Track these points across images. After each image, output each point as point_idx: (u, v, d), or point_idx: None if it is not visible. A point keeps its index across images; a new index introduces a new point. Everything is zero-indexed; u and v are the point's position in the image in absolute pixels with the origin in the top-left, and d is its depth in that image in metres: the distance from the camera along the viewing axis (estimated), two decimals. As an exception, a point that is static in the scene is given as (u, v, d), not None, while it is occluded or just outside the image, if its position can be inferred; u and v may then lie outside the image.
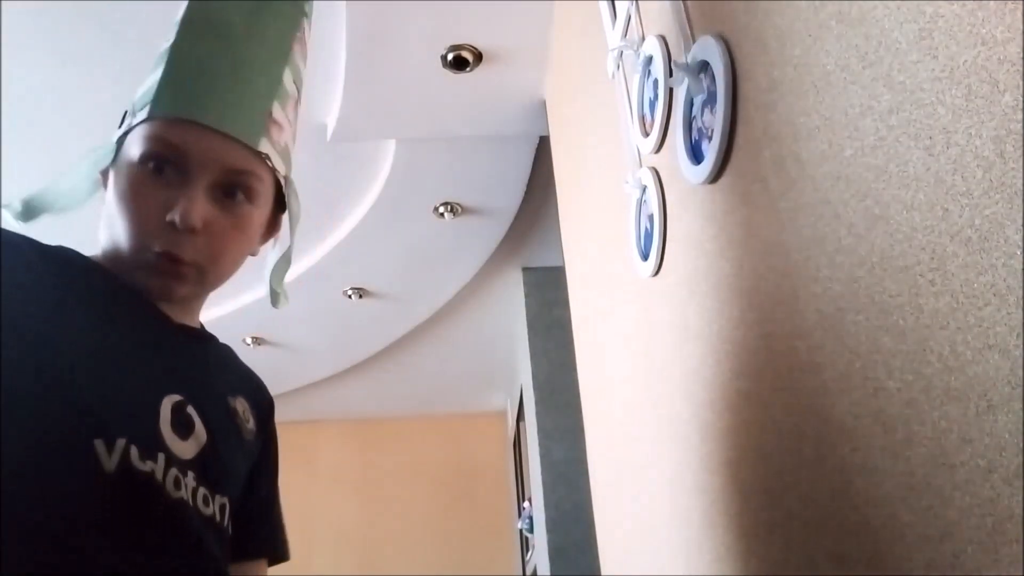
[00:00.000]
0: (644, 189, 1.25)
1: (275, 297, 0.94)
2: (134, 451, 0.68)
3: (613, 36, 1.43)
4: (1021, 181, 0.46)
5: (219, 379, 0.87)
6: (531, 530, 3.65)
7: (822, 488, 0.72)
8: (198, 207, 0.76)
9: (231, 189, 0.79)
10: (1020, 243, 0.46)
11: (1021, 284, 0.46)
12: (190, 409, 0.76)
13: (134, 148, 0.78)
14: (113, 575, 0.65)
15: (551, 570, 2.97)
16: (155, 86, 0.80)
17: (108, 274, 0.79)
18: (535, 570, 3.56)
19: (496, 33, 2.16)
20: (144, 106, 0.79)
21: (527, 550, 4.14)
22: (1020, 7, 0.46)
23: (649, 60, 1.21)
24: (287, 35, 0.90)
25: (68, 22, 2.13)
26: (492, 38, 2.18)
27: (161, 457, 0.71)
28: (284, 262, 0.93)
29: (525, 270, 3.57)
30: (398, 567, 4.79)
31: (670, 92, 1.12)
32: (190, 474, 0.73)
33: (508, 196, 3.02)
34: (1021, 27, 0.46)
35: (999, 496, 0.48)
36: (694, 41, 1.01)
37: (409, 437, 5.30)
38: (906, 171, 0.57)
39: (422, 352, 4.33)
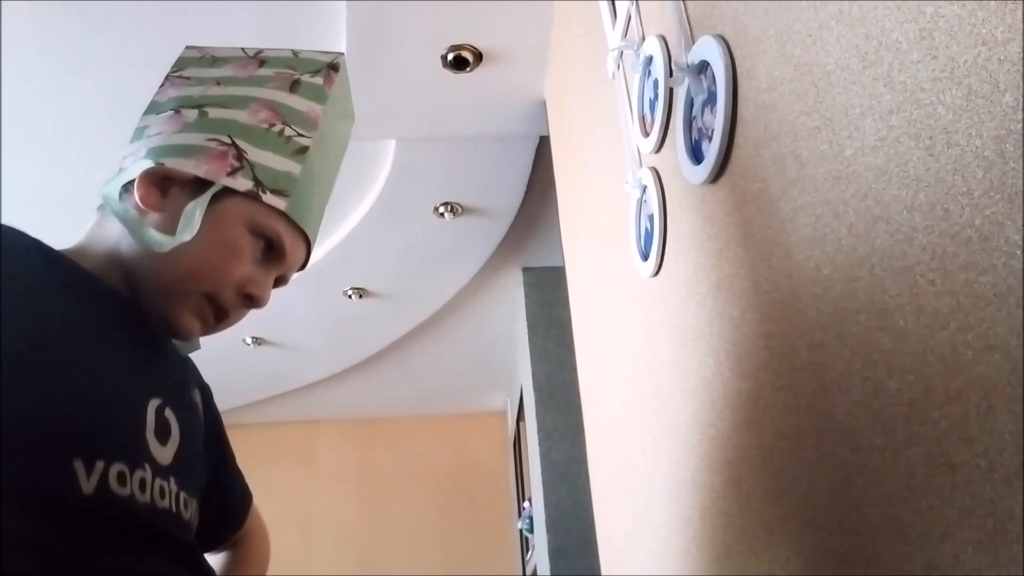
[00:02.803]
0: (644, 189, 1.25)
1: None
2: (113, 472, 0.67)
3: (613, 36, 1.43)
4: (1021, 181, 0.46)
5: (181, 374, 0.88)
6: (531, 530, 3.65)
7: (822, 488, 0.71)
8: (269, 290, 0.86)
9: (276, 282, 0.88)
10: (1020, 243, 0.46)
11: (1022, 284, 0.46)
12: (168, 412, 0.78)
13: (251, 217, 0.82)
14: None
15: (551, 570, 2.97)
16: (294, 181, 0.85)
17: (84, 271, 0.78)
18: (535, 570, 3.56)
19: (496, 33, 2.16)
20: (275, 191, 0.83)
21: (527, 550, 4.14)
22: (1020, 7, 0.46)
23: (649, 60, 1.21)
24: (342, 158, 0.99)
25: (68, 22, 2.13)
26: (492, 38, 2.18)
27: (148, 468, 0.71)
28: None
29: (525, 270, 3.57)
30: (398, 567, 4.79)
31: (670, 92, 1.12)
32: (171, 479, 0.74)
33: (508, 196, 3.02)
34: (1021, 27, 0.46)
35: (999, 496, 0.48)
36: (694, 41, 1.01)
37: (409, 437, 5.30)
38: (906, 171, 0.57)
39: (422, 352, 4.33)
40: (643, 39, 1.24)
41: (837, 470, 0.68)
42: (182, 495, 0.76)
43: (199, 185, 0.81)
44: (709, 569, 1.01)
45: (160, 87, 0.91)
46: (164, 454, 0.75)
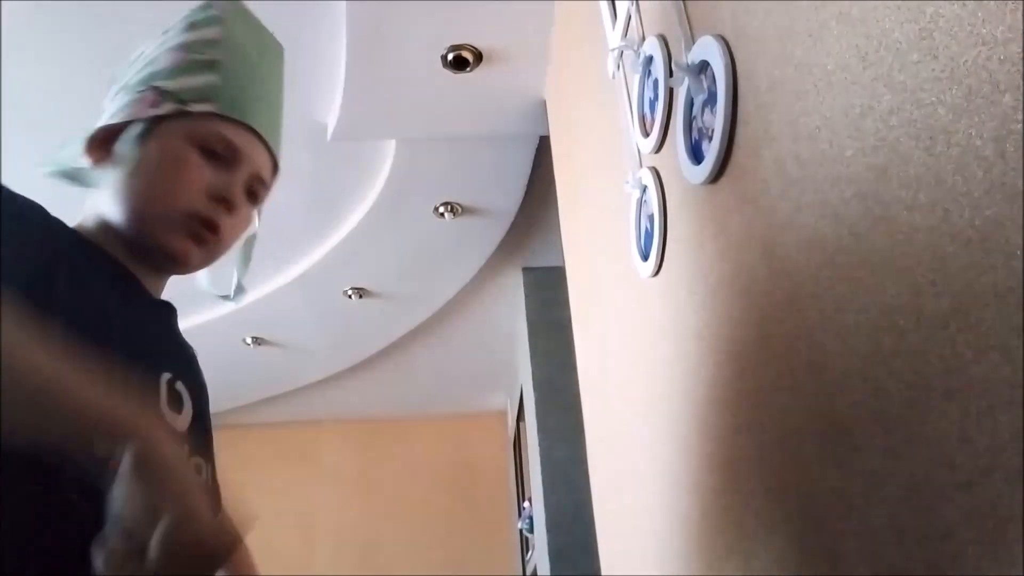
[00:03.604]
0: (644, 189, 1.25)
1: (239, 290, 1.04)
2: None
3: (613, 36, 1.43)
4: (1021, 181, 0.46)
5: (186, 350, 0.93)
6: (531, 530, 3.65)
7: (822, 488, 0.71)
8: (240, 192, 0.90)
9: (251, 191, 0.92)
10: (1020, 243, 0.46)
11: (1021, 284, 0.46)
12: (179, 384, 0.83)
13: (188, 131, 0.87)
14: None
15: (551, 570, 2.97)
16: (215, 86, 0.90)
17: (97, 248, 0.84)
18: (535, 570, 3.56)
19: (496, 33, 2.16)
20: (199, 100, 0.89)
21: (527, 550, 4.14)
22: (1020, 7, 0.46)
23: (649, 60, 1.21)
24: (281, 78, 1.06)
25: (68, 22, 2.13)
26: (492, 38, 2.18)
27: None
28: (247, 254, 1.04)
29: (525, 270, 3.57)
30: (398, 567, 4.79)
31: (670, 92, 1.12)
32: (186, 447, 0.78)
33: (508, 196, 3.02)
34: (1021, 27, 0.46)
35: (999, 497, 0.48)
36: (694, 41, 1.01)
37: (409, 437, 5.30)
38: (907, 171, 0.57)
39: (422, 352, 4.33)
40: (643, 39, 1.24)
41: (837, 470, 0.68)
42: (195, 459, 0.81)
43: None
44: (709, 569, 1.01)
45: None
46: (180, 422, 0.80)
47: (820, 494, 0.72)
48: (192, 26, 0.96)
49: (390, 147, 2.75)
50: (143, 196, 0.85)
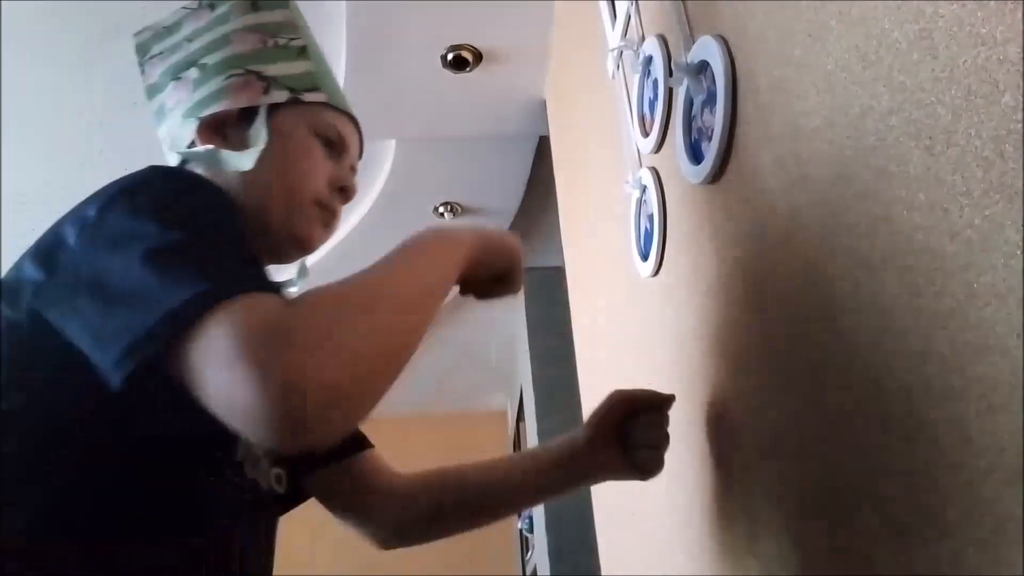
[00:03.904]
0: (644, 189, 1.25)
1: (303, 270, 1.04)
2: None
3: (613, 36, 1.43)
4: (1021, 181, 0.46)
5: None
6: (531, 530, 3.64)
7: (822, 488, 0.71)
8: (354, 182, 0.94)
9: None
10: (1020, 243, 0.46)
11: (1021, 284, 0.46)
12: None
13: (308, 121, 0.89)
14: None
15: (551, 570, 2.97)
16: (314, 74, 0.92)
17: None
18: (535, 570, 3.56)
19: (496, 33, 2.16)
20: (309, 89, 0.90)
21: (527, 550, 4.14)
22: (1020, 7, 0.46)
23: (649, 60, 1.21)
24: None
25: (68, 22, 2.13)
26: (492, 38, 2.18)
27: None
28: None
29: (525, 270, 3.56)
30: (398, 567, 4.77)
31: (670, 92, 1.12)
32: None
33: (508, 196, 3.01)
34: (1021, 27, 0.46)
35: (999, 497, 0.48)
36: (694, 41, 1.01)
37: (409, 437, 5.29)
38: (906, 171, 0.57)
39: (422, 352, 4.32)
40: (643, 39, 1.24)
41: (837, 470, 0.68)
42: (263, 463, 0.83)
43: (247, 117, 0.87)
44: (709, 569, 1.01)
45: (143, 75, 0.96)
46: None
47: (819, 494, 0.72)
48: (255, 5, 0.95)
49: (390, 147, 2.75)
50: (278, 185, 0.86)
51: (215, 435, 0.68)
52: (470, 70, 2.27)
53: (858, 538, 0.65)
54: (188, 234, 0.62)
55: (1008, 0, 0.47)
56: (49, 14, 2.10)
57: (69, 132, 2.51)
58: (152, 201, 0.66)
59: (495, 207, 3.08)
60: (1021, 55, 0.45)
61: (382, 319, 0.63)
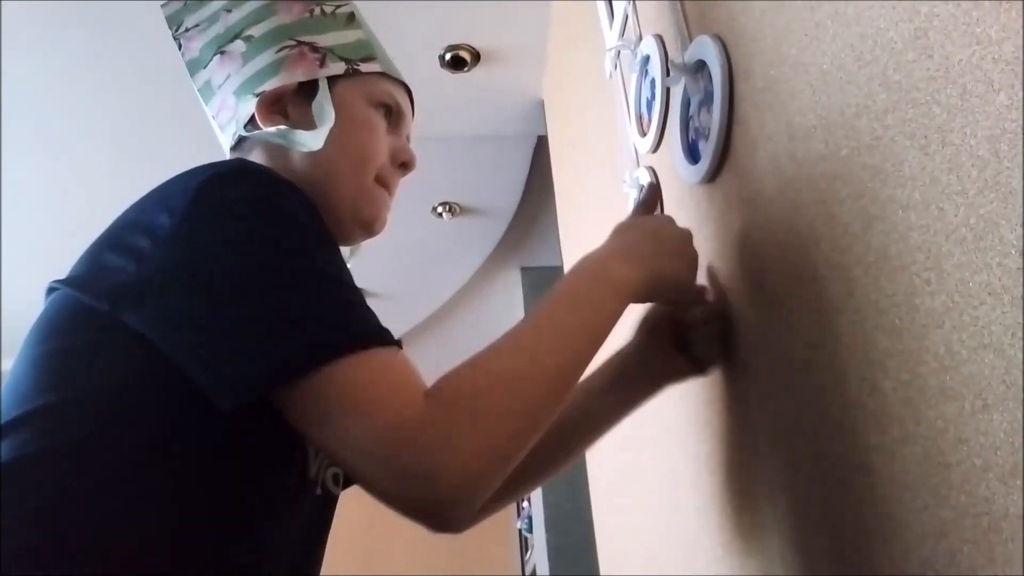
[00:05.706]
0: (641, 189, 1.25)
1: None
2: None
3: (610, 36, 1.43)
4: (1016, 180, 0.46)
5: None
6: (530, 530, 3.65)
7: (819, 487, 0.72)
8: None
9: None
10: (1015, 242, 0.46)
11: (1017, 283, 0.46)
12: None
13: (366, 93, 0.85)
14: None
15: (550, 570, 2.97)
16: (366, 43, 0.88)
17: None
18: (534, 570, 3.56)
19: (494, 33, 2.17)
20: (364, 59, 0.86)
21: (526, 550, 4.14)
22: (1015, 7, 0.46)
23: (646, 60, 1.21)
24: None
25: (68, 22, 2.13)
26: (490, 38, 2.18)
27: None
28: None
29: (524, 270, 3.56)
30: (398, 567, 4.79)
31: (667, 92, 1.12)
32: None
33: (506, 196, 3.02)
34: (1016, 27, 0.46)
35: (994, 495, 0.48)
36: (691, 41, 1.01)
37: (408, 437, 5.29)
38: (901, 170, 0.57)
39: (421, 352, 4.33)
40: (640, 39, 1.24)
41: (833, 469, 0.68)
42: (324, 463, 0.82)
43: (305, 90, 0.83)
44: (707, 569, 1.01)
45: (181, 50, 0.91)
46: None
47: (817, 494, 0.72)
48: None
49: (388, 147, 2.75)
50: (344, 164, 0.82)
51: (293, 441, 0.67)
52: (468, 70, 2.27)
53: (855, 537, 0.65)
54: (310, 259, 0.61)
55: (1003, 0, 0.47)
56: (49, 14, 2.10)
57: (70, 132, 2.51)
58: (263, 210, 0.63)
59: (493, 207, 3.08)
60: (1015, 54, 0.46)
61: (532, 397, 0.61)
